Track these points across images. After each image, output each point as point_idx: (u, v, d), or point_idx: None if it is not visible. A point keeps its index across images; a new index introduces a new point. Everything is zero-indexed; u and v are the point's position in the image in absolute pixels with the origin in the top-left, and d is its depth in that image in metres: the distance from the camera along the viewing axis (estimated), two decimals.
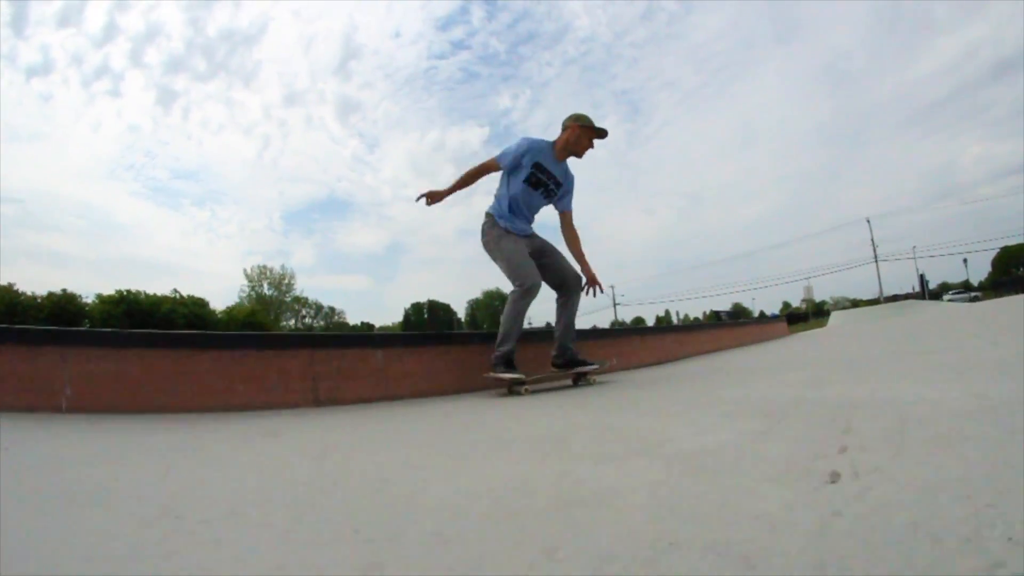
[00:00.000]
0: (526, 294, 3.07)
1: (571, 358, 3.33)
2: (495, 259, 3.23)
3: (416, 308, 77.86)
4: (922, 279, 40.92)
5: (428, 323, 74.51)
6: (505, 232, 3.19)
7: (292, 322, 56.03)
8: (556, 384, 3.48)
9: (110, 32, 73.52)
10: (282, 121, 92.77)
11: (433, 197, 3.25)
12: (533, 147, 3.16)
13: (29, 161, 66.69)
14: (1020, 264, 55.90)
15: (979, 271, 64.35)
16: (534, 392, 3.11)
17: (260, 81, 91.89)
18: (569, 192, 3.39)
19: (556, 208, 3.40)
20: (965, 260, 54.08)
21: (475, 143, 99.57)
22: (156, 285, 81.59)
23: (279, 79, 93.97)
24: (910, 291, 48.89)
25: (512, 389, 3.10)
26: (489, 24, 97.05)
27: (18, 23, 59.36)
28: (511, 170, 3.19)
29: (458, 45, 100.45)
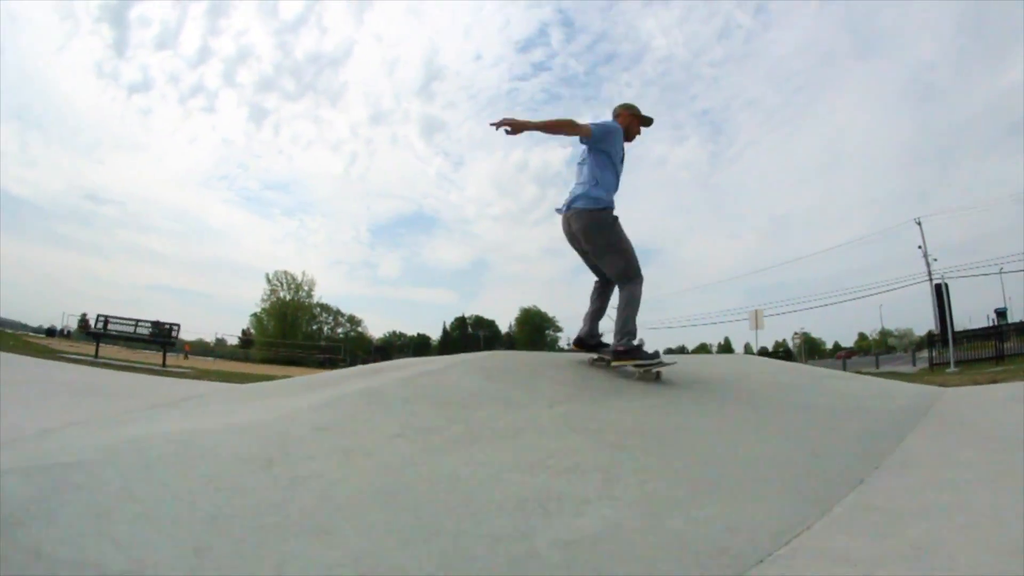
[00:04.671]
0: (641, 282, 3.19)
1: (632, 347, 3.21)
2: (612, 255, 3.17)
3: (459, 322, 77.86)
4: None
5: (462, 339, 74.69)
6: (618, 220, 3.21)
7: (314, 327, 57.64)
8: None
9: (204, 54, 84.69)
10: (368, 139, 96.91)
11: (514, 126, 3.00)
12: (619, 131, 3.22)
13: (130, 168, 78.25)
14: None
15: None
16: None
17: (346, 101, 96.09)
18: None
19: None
20: None
21: (558, 163, 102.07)
22: (245, 285, 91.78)
23: (365, 99, 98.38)
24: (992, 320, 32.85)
25: (647, 371, 3.08)
26: (568, 46, 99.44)
27: (120, 46, 70.69)
28: (608, 151, 3.16)
29: (539, 67, 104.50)
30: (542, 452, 1.69)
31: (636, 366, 3.03)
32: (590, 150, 3.14)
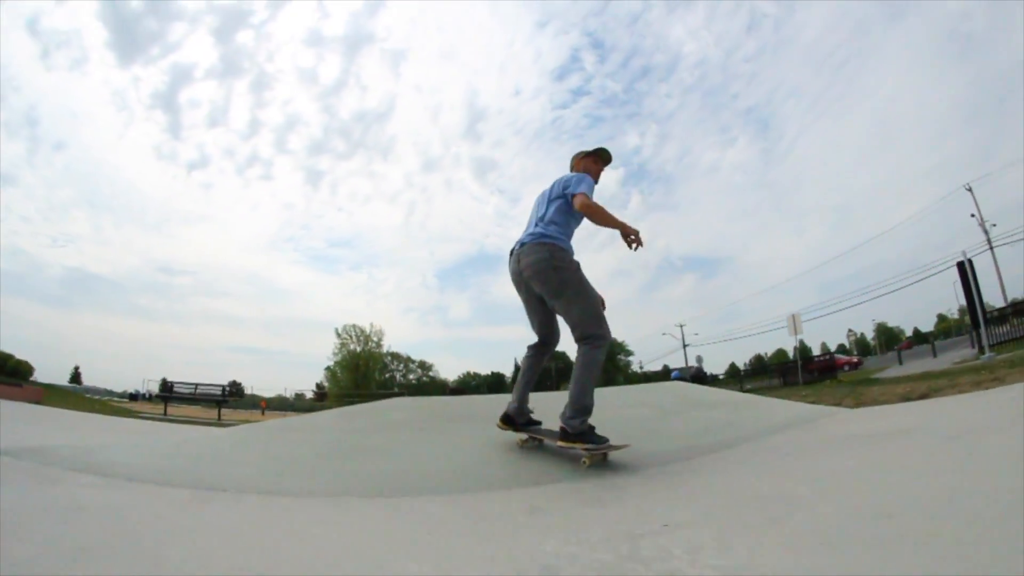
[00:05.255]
0: (605, 345, 2.70)
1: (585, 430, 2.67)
2: (571, 295, 2.71)
3: None
4: None
5: None
6: (579, 266, 2.80)
7: (387, 376, 60.44)
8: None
9: (254, 127, 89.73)
10: (423, 187, 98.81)
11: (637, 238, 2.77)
12: (592, 183, 2.87)
13: (198, 240, 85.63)
14: None
15: None
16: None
17: (397, 153, 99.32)
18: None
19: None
20: None
21: (612, 185, 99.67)
22: (320, 340, 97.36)
23: (414, 149, 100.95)
24: None
25: (596, 457, 2.66)
26: (602, 67, 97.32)
27: (174, 128, 77.93)
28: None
29: (577, 92, 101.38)
30: (279, 455, 2.86)
31: (585, 449, 2.58)
32: (558, 197, 2.84)
